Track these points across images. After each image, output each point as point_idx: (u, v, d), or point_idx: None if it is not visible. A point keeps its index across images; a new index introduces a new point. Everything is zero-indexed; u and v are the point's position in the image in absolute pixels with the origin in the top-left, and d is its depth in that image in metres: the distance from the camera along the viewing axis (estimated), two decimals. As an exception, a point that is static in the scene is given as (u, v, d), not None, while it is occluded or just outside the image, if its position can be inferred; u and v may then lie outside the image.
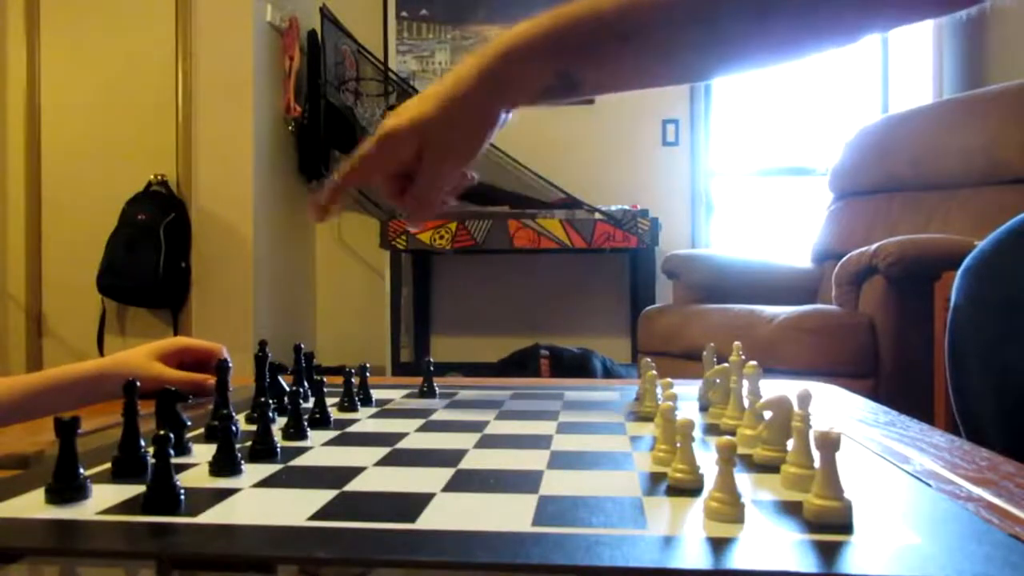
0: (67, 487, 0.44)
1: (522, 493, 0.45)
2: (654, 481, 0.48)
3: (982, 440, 0.82)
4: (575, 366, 3.30)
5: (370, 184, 0.79)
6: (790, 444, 0.49)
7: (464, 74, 0.74)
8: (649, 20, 0.70)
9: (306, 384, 0.79)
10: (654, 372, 0.75)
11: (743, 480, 0.49)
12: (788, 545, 0.37)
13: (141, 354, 0.91)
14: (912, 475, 0.51)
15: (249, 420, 0.68)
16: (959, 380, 0.88)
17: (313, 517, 0.41)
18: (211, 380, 0.88)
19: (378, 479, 0.49)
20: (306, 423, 0.63)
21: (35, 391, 0.88)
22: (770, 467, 0.51)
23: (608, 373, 3.38)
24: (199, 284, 3.31)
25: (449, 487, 0.47)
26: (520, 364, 3.35)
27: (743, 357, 0.69)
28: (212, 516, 0.42)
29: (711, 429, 0.66)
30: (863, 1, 0.69)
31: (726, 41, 0.72)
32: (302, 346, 0.81)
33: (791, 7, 0.69)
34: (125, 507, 0.43)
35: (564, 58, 0.72)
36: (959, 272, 0.88)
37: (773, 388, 0.69)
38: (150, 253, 3.18)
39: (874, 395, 1.92)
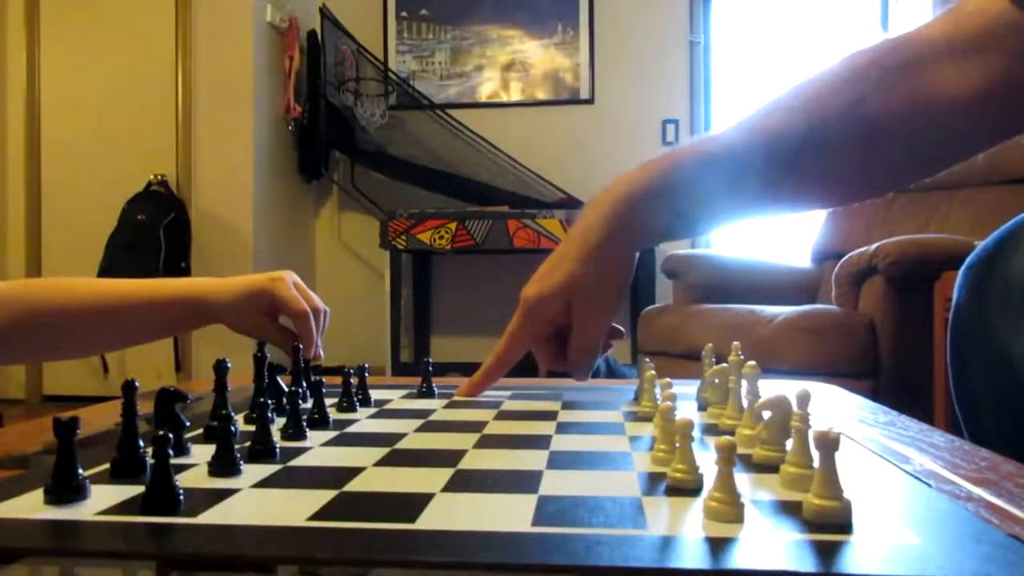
0: (66, 487, 0.44)
1: (522, 493, 0.45)
2: (653, 481, 0.48)
3: (985, 439, 0.82)
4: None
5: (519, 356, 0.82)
6: (789, 444, 0.49)
7: (592, 225, 0.77)
8: (754, 166, 0.74)
9: (305, 384, 0.79)
10: (653, 372, 0.74)
11: (742, 480, 0.49)
12: (787, 545, 0.37)
13: (235, 296, 0.90)
14: (912, 475, 0.51)
15: (248, 420, 0.68)
16: (961, 379, 0.88)
17: (313, 517, 0.41)
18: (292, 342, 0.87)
19: (377, 479, 0.49)
20: (305, 423, 0.63)
21: (132, 302, 0.89)
22: (769, 467, 0.51)
23: (612, 373, 3.38)
24: (199, 284, 3.31)
25: (449, 487, 0.47)
26: (520, 365, 3.34)
27: (742, 357, 0.69)
28: (211, 516, 0.42)
29: (710, 429, 0.66)
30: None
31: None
32: (301, 347, 0.81)
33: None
34: (124, 507, 0.43)
35: (680, 201, 0.76)
36: (961, 270, 0.88)
37: (772, 388, 0.69)
38: (150, 253, 3.18)
39: (874, 395, 1.93)
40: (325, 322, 0.95)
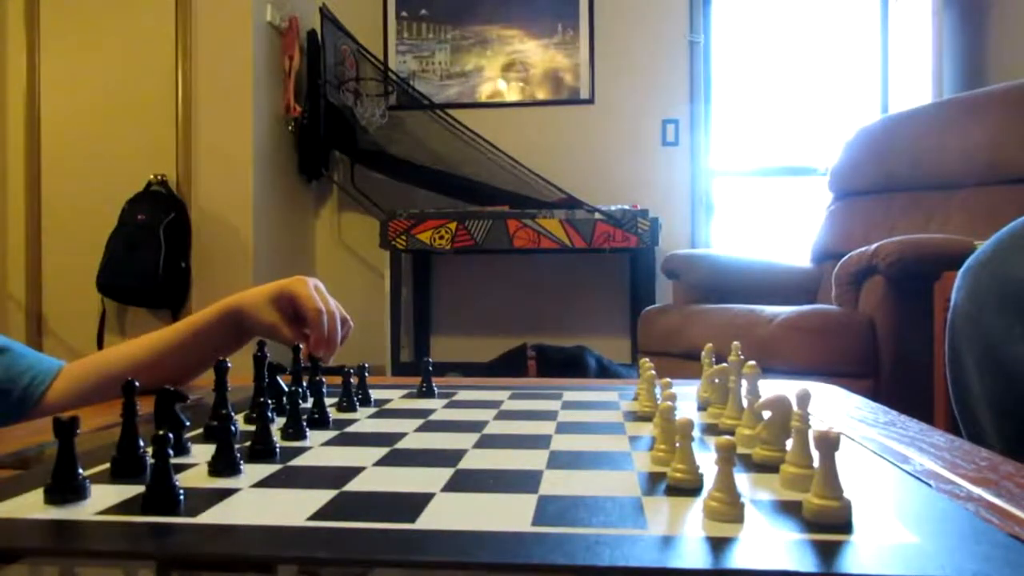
0: (66, 487, 0.44)
1: (522, 493, 0.45)
2: (653, 481, 0.48)
3: (981, 438, 0.82)
4: (566, 364, 3.27)
5: None
6: (789, 444, 0.49)
7: None
8: None
9: (304, 384, 0.79)
10: (652, 372, 0.74)
11: (742, 480, 0.49)
12: (787, 545, 0.37)
13: (262, 298, 0.92)
14: (912, 475, 0.51)
15: (248, 420, 0.68)
16: (959, 379, 0.88)
17: (313, 517, 0.41)
18: (308, 348, 0.89)
19: (377, 479, 0.49)
20: (305, 423, 0.63)
21: (174, 345, 0.93)
22: (769, 467, 0.51)
23: (604, 370, 3.37)
24: (199, 284, 3.31)
25: (448, 487, 0.47)
26: (509, 365, 3.34)
27: (742, 357, 0.69)
28: (211, 516, 0.42)
29: (710, 429, 0.66)
30: None
31: None
32: (301, 346, 0.81)
33: None
34: (124, 507, 0.43)
35: None
36: (960, 272, 0.88)
37: (772, 388, 0.69)
38: (150, 253, 3.17)
39: (874, 395, 1.93)
40: (345, 331, 0.95)
